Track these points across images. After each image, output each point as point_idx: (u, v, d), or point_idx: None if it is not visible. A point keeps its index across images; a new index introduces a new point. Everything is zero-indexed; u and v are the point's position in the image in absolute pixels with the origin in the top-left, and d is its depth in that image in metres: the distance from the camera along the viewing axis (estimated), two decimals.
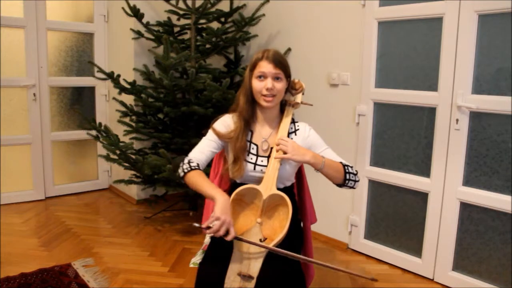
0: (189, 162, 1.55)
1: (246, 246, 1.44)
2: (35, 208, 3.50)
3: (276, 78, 1.54)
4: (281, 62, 1.54)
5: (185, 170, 1.53)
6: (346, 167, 1.57)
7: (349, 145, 2.80)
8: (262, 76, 1.54)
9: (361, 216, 2.79)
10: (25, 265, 2.48)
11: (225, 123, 1.64)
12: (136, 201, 3.67)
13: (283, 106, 1.68)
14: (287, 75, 1.59)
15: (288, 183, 1.65)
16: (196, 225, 1.39)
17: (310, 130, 1.66)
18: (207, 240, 1.73)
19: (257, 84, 1.55)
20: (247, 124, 1.60)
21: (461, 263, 2.38)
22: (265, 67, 1.53)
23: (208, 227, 1.35)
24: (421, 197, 2.51)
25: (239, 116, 1.60)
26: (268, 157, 1.59)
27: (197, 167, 1.54)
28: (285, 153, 1.51)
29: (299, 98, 1.68)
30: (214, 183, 1.83)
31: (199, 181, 1.48)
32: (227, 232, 1.36)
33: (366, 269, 2.60)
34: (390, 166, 2.64)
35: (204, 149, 1.61)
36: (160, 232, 3.08)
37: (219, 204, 1.38)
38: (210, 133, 1.63)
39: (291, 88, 1.68)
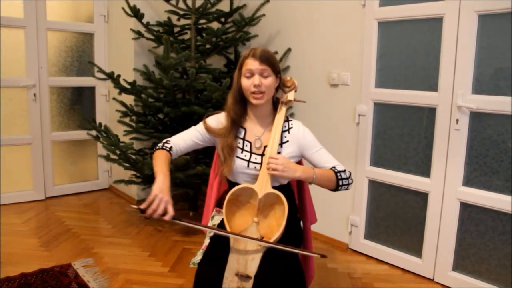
0: (165, 142, 1.61)
1: (243, 246, 1.44)
2: (35, 208, 3.50)
3: (263, 75, 1.54)
4: (267, 59, 1.54)
5: (157, 147, 1.60)
6: (338, 174, 1.57)
7: (349, 145, 2.80)
8: (250, 74, 1.54)
9: (361, 216, 2.79)
10: (25, 265, 2.48)
11: (218, 119, 1.65)
12: (136, 201, 3.66)
13: (276, 104, 1.68)
14: (276, 71, 1.58)
15: (284, 182, 1.65)
16: (134, 206, 1.38)
17: (305, 129, 1.65)
18: (207, 240, 1.73)
19: (245, 82, 1.55)
20: (234, 123, 1.61)
21: (461, 263, 2.38)
22: (252, 64, 1.53)
23: (145, 210, 1.33)
24: (421, 197, 2.51)
25: (227, 116, 1.62)
26: (262, 155, 1.59)
27: (167, 149, 1.58)
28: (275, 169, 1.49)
29: (291, 95, 1.68)
30: (215, 183, 1.84)
31: (156, 160, 1.52)
32: (165, 213, 1.35)
33: (366, 269, 2.60)
34: (390, 166, 2.64)
35: (187, 137, 1.64)
36: (160, 232, 3.08)
37: (157, 183, 1.40)
38: (200, 124, 1.66)
39: (284, 85, 1.68)
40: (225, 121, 1.62)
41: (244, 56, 1.57)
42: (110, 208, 3.59)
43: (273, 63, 1.56)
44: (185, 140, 1.63)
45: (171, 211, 1.36)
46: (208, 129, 1.62)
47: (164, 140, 1.62)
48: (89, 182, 4.00)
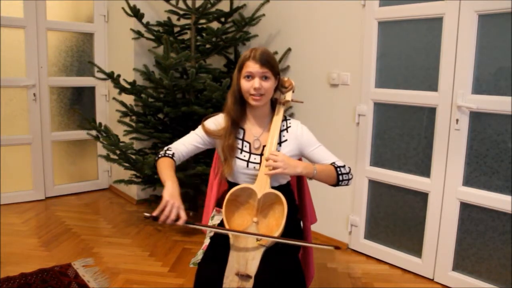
0: (166, 149, 1.60)
1: (243, 245, 1.44)
2: (35, 208, 3.50)
3: (263, 78, 1.54)
4: (268, 61, 1.54)
5: (159, 155, 1.58)
6: (338, 169, 1.57)
7: (349, 145, 2.80)
8: (250, 76, 1.54)
9: (361, 216, 2.79)
10: (25, 265, 2.48)
11: (216, 121, 1.65)
12: (136, 201, 3.67)
13: (274, 104, 1.68)
14: (275, 73, 1.58)
15: (284, 181, 1.65)
16: (147, 214, 1.38)
17: (303, 128, 1.66)
18: (207, 240, 1.73)
19: (245, 84, 1.55)
20: (234, 123, 1.61)
21: (461, 263, 2.38)
22: (252, 67, 1.53)
23: (157, 217, 1.34)
24: (421, 197, 2.51)
25: (227, 116, 1.62)
26: (261, 155, 1.59)
27: (170, 156, 1.57)
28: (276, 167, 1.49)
29: (289, 96, 1.68)
30: (215, 183, 1.84)
31: (162, 167, 1.51)
32: (178, 218, 1.36)
33: (366, 269, 2.60)
34: (390, 166, 2.64)
35: (187, 141, 1.64)
36: (160, 232, 3.08)
37: (167, 189, 1.40)
38: (199, 128, 1.66)
39: (281, 86, 1.68)
40: (224, 122, 1.62)
41: (244, 58, 1.56)
42: (110, 208, 3.59)
43: (273, 66, 1.56)
44: (186, 145, 1.63)
45: (183, 216, 1.37)
46: (207, 131, 1.62)
47: (166, 148, 1.62)
48: (89, 182, 4.00)
